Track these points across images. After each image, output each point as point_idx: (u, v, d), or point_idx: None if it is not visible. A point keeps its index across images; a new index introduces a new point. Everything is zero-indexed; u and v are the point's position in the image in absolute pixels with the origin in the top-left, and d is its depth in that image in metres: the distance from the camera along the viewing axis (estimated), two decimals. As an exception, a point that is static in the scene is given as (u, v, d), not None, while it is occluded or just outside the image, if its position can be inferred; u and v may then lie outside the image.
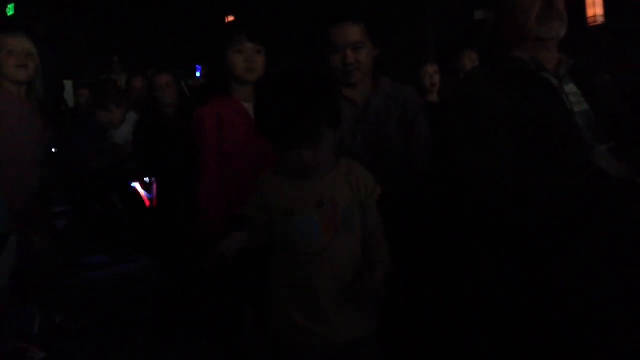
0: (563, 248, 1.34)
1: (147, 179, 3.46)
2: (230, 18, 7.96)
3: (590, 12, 5.79)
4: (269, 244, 1.45)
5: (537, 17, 1.57)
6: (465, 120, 1.55)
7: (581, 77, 1.62)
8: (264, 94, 1.39)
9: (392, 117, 2.06)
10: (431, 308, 1.74)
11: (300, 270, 1.36)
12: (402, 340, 1.71)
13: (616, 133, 1.51)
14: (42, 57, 2.44)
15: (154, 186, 3.37)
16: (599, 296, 1.29)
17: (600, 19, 5.75)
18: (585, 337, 1.29)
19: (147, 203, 3.53)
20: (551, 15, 1.57)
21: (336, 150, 1.43)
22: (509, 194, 1.44)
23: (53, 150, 3.16)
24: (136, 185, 3.56)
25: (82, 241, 3.96)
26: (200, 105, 2.01)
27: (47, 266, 2.45)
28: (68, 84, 6.64)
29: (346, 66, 1.99)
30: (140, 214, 3.56)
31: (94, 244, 3.98)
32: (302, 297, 1.37)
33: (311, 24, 2.12)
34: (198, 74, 6.94)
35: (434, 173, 1.92)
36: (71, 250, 3.79)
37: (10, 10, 8.93)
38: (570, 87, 1.60)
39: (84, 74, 6.91)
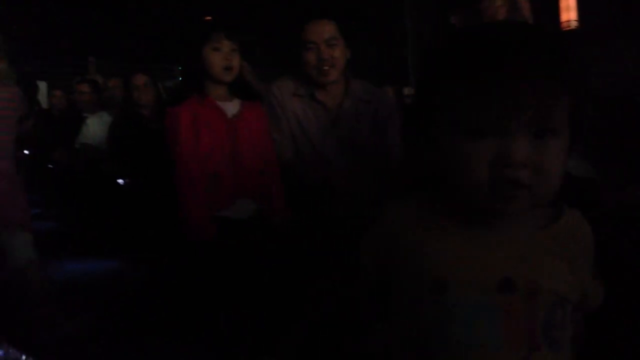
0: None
1: (121, 181, 3.44)
2: (209, 19, 7.91)
3: (564, 16, 5.88)
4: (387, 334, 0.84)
5: None
6: None
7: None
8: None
9: (364, 120, 2.08)
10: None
11: None
12: None
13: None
14: (17, 57, 2.39)
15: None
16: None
17: (574, 24, 5.84)
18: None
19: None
20: (516, 20, 1.61)
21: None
22: None
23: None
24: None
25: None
26: (175, 104, 1.97)
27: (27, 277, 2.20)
28: (42, 85, 6.54)
29: (321, 62, 2.00)
30: (120, 213, 3.52)
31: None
32: None
33: (286, 23, 2.13)
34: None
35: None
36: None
37: (-19, 8, 8.76)
38: None
39: (59, 75, 6.83)
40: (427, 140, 0.74)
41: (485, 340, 0.71)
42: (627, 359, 1.37)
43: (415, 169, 0.86)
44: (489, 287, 0.71)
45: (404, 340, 0.78)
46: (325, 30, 2.01)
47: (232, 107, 2.00)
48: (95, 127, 3.81)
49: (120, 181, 3.44)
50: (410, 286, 0.76)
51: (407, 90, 5.78)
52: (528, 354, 0.71)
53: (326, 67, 2.01)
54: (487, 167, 0.66)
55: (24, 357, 1.99)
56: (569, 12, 5.86)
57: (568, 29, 5.78)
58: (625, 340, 1.37)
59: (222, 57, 1.95)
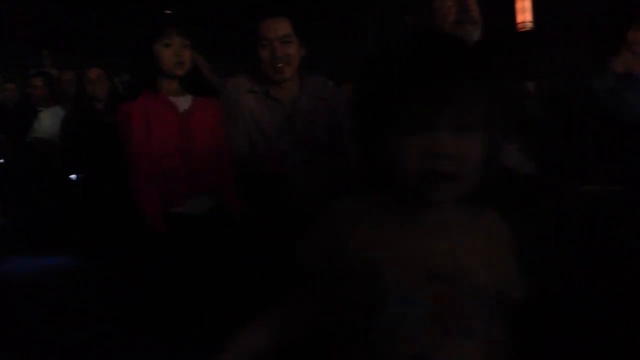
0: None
1: (73, 176, 3.37)
2: (168, 12, 7.79)
3: (519, 18, 6.03)
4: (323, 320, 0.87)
5: (453, 21, 1.66)
6: None
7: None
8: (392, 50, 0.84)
9: (320, 118, 2.09)
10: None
11: None
12: None
13: (525, 133, 1.60)
14: None
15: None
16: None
17: (529, 25, 6.00)
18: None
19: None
20: (466, 20, 1.66)
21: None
22: None
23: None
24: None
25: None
26: (128, 101, 1.97)
27: None
28: (-6, 78, 6.35)
29: (275, 59, 2.00)
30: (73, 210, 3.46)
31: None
32: None
33: (243, 21, 2.12)
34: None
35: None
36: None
37: None
38: None
39: (11, 68, 6.64)
40: (371, 138, 0.81)
41: (410, 327, 0.76)
42: (627, 359, 1.40)
43: (364, 166, 0.87)
44: (417, 277, 0.78)
45: (347, 330, 0.82)
46: (279, 27, 2.01)
47: (183, 102, 2.00)
48: (47, 121, 3.75)
49: (73, 176, 3.38)
50: (353, 276, 0.82)
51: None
52: (442, 340, 0.76)
53: (280, 65, 2.01)
54: (417, 160, 0.75)
55: None
56: (524, 13, 6.03)
57: (523, 30, 5.96)
58: (625, 340, 1.40)
59: (173, 52, 1.95)
